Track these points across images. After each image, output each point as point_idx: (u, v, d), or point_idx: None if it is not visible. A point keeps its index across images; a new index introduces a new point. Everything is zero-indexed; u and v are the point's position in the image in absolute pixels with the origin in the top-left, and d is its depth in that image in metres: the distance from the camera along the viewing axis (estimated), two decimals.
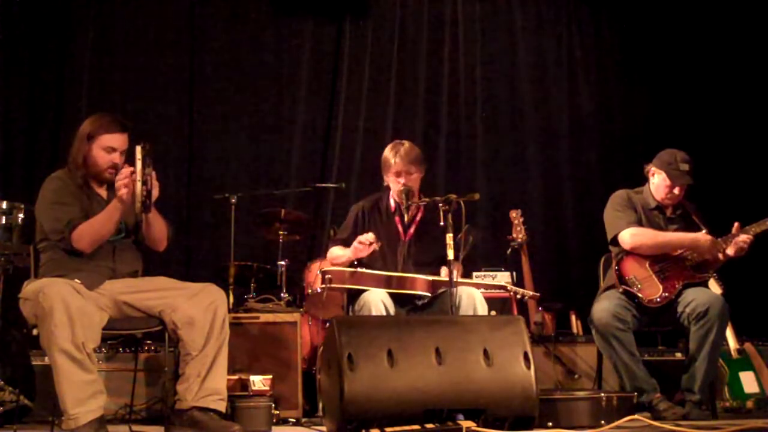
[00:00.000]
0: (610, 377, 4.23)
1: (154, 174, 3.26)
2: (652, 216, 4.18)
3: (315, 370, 4.37)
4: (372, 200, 4.22)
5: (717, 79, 6.32)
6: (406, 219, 4.10)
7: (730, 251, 4.02)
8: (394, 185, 4.07)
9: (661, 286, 4.00)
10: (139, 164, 3.21)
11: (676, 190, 4.12)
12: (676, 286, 4.01)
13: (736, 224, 4.04)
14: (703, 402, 3.95)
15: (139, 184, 3.21)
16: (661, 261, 4.06)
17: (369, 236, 3.88)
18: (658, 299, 3.98)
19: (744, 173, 6.10)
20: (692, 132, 6.24)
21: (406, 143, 4.13)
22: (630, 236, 4.07)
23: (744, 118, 6.24)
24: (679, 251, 4.06)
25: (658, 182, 4.16)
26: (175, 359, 3.42)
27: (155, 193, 3.30)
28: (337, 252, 4.05)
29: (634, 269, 4.06)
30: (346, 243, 4.06)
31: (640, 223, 4.13)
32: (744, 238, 3.99)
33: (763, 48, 6.16)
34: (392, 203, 4.17)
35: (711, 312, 3.87)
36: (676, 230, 4.15)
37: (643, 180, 4.26)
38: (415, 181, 4.07)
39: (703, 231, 4.09)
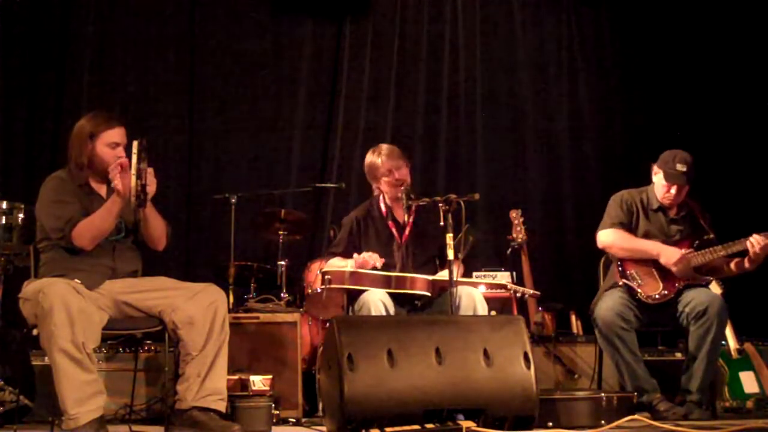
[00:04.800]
0: (610, 377, 4.23)
1: (151, 170, 3.28)
2: (655, 217, 4.19)
3: (315, 370, 4.37)
4: (363, 209, 4.24)
5: (717, 79, 6.31)
6: (401, 221, 4.12)
7: (747, 263, 4.01)
8: (387, 186, 4.10)
9: (661, 284, 4.02)
10: (134, 158, 3.23)
11: (673, 190, 4.11)
12: (677, 285, 4.01)
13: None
14: (703, 402, 3.94)
15: (133, 178, 3.22)
16: None
17: (376, 259, 3.91)
18: (657, 296, 4.00)
19: (744, 173, 6.09)
20: (692, 132, 6.25)
21: (383, 144, 4.24)
22: (604, 235, 4.16)
23: (744, 118, 6.23)
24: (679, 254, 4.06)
25: (657, 181, 4.17)
26: (175, 359, 3.42)
27: (152, 189, 3.32)
28: (337, 263, 4.06)
29: (636, 265, 4.08)
30: (344, 256, 4.09)
31: (630, 225, 4.15)
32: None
33: (763, 47, 6.16)
34: (383, 208, 4.18)
35: (710, 311, 3.88)
36: (679, 231, 4.16)
37: (649, 180, 4.27)
38: (406, 174, 4.12)
39: (711, 235, 4.09)
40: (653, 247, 4.08)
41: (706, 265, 4.06)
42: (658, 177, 4.16)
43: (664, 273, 4.04)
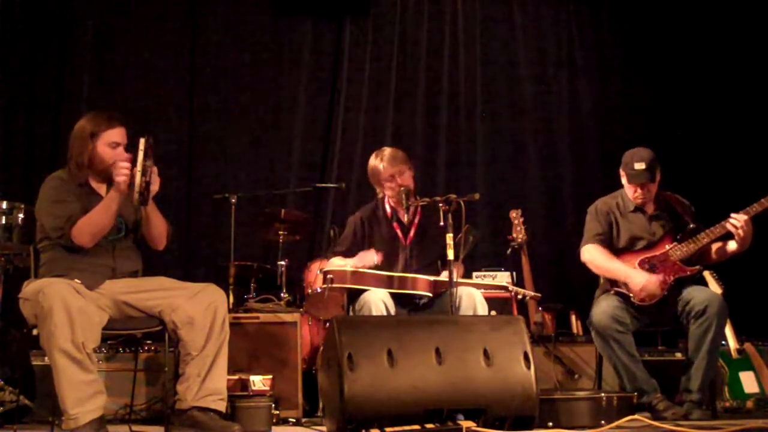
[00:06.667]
0: (610, 377, 4.22)
1: (155, 168, 3.27)
2: (634, 217, 4.17)
3: (315, 370, 4.37)
4: (368, 209, 4.24)
5: (717, 78, 6.32)
6: (405, 221, 4.13)
7: (733, 245, 3.99)
8: (390, 190, 4.09)
9: None
10: (140, 155, 3.23)
11: (639, 190, 4.10)
12: (668, 281, 4.01)
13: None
14: (703, 401, 3.94)
15: (138, 175, 3.22)
16: (649, 259, 4.06)
17: (373, 255, 3.93)
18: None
19: (745, 169, 6.09)
20: (692, 132, 6.25)
21: (387, 148, 4.22)
22: (585, 251, 4.14)
23: (744, 117, 6.23)
24: (662, 251, 4.05)
25: (625, 184, 4.18)
26: (175, 359, 3.42)
27: (155, 187, 3.32)
28: (338, 262, 4.06)
29: None
30: (346, 255, 4.09)
31: (609, 234, 4.14)
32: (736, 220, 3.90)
33: (762, 46, 6.16)
34: (388, 209, 4.18)
35: (709, 310, 3.87)
36: (661, 227, 4.13)
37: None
38: (409, 179, 4.10)
39: (692, 225, 4.07)
40: (623, 273, 4.02)
41: (693, 256, 4.05)
42: (624, 180, 4.17)
43: (653, 272, 4.02)
